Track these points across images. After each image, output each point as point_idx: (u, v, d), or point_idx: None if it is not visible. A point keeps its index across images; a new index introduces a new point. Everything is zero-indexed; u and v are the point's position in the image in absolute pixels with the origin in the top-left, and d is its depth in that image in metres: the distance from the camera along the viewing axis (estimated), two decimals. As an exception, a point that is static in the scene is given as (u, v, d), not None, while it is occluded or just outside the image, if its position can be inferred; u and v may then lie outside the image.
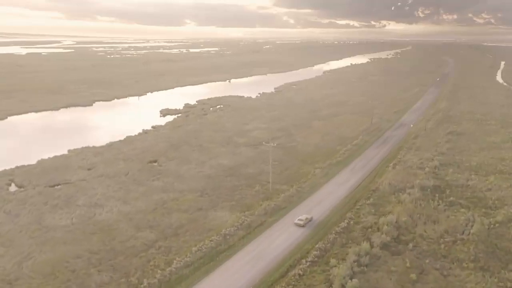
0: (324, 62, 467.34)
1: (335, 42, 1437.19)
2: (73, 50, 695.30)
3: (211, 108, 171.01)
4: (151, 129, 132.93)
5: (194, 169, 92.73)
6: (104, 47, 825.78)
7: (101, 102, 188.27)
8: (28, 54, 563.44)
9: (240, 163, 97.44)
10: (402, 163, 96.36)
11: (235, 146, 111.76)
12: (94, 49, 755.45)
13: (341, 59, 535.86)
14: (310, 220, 67.24)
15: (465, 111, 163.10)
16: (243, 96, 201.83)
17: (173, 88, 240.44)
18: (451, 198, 75.77)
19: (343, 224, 65.95)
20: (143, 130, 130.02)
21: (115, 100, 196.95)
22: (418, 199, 74.90)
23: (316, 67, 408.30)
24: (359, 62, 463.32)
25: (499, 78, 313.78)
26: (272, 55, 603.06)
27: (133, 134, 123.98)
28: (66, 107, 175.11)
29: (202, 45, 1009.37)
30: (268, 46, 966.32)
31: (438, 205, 72.88)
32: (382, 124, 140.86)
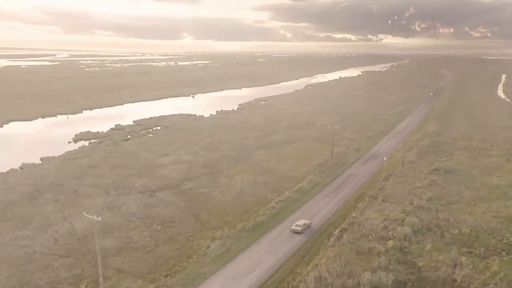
0: (311, 75, 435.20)
1: (332, 56, 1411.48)
2: (58, 63, 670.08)
3: (142, 131, 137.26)
4: (37, 162, 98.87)
5: (21, 241, 58.27)
6: (93, 60, 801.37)
7: (17, 122, 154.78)
8: (5, 66, 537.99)
9: (104, 227, 63.04)
10: (355, 229, 61.82)
11: (123, 193, 77.47)
12: (82, 62, 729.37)
13: (331, 72, 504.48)
14: (308, 227, 63.47)
15: (459, 135, 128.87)
16: (194, 115, 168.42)
17: (122, 104, 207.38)
18: (422, 320, 41.17)
19: None
20: (22, 164, 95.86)
21: (39, 119, 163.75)
22: (361, 321, 40.41)
23: (301, 80, 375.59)
24: (349, 76, 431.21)
25: (500, 92, 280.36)
26: (261, 68, 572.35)
27: (0, 172, 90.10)
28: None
29: (195, 58, 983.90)
30: (261, 59, 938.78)
31: None
32: (347, 155, 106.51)
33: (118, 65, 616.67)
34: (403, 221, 63.56)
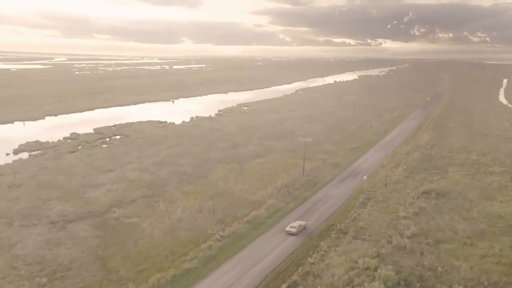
0: (305, 79, 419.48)
1: (332, 60, 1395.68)
2: (51, 67, 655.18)
3: (97, 141, 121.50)
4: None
5: None
6: (87, 63, 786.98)
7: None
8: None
9: (-25, 277, 47.17)
10: (309, 283, 45.82)
11: (30, 224, 61.53)
12: (76, 65, 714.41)
13: (328, 76, 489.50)
14: (304, 228, 59.82)
15: (455, 147, 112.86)
16: (165, 122, 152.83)
17: (93, 109, 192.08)
18: None
19: None
20: None
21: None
22: None
23: (294, 84, 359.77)
24: (344, 80, 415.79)
25: (502, 98, 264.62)
26: (257, 71, 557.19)
27: None
28: None
29: (193, 62, 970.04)
30: (259, 63, 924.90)
31: None
32: (322, 171, 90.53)
33: (111, 69, 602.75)
34: (375, 271, 47.63)
